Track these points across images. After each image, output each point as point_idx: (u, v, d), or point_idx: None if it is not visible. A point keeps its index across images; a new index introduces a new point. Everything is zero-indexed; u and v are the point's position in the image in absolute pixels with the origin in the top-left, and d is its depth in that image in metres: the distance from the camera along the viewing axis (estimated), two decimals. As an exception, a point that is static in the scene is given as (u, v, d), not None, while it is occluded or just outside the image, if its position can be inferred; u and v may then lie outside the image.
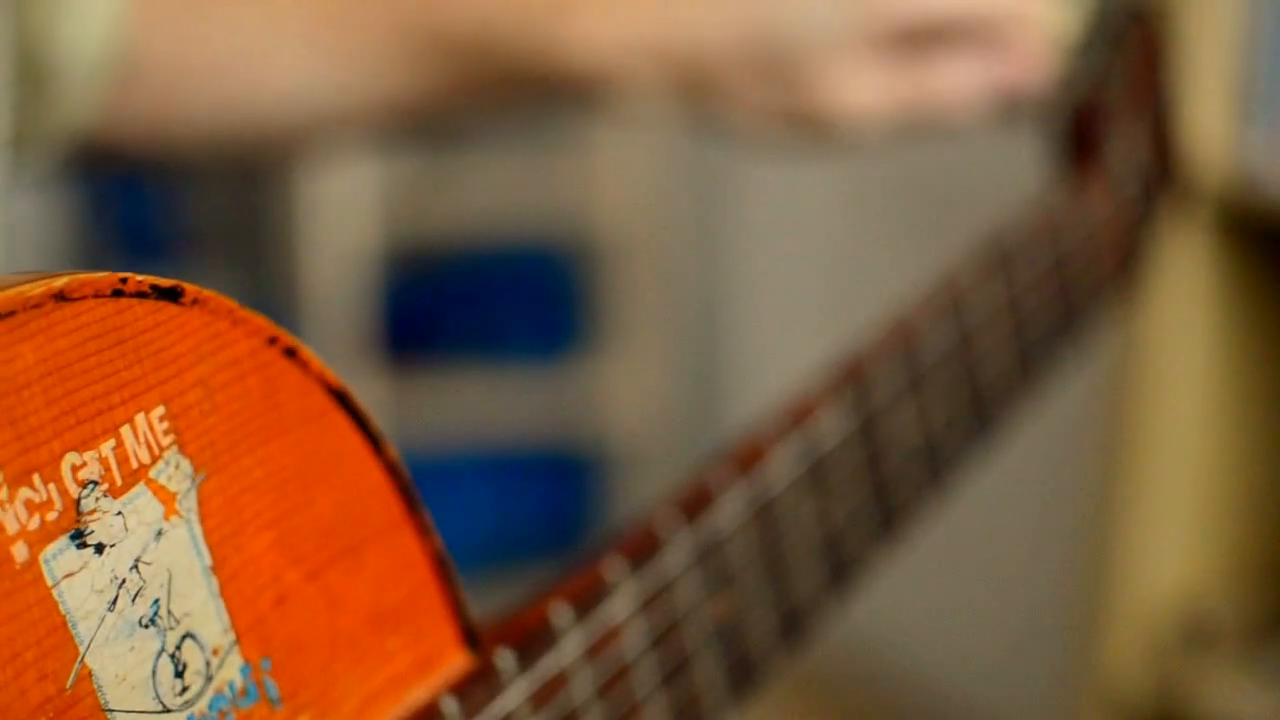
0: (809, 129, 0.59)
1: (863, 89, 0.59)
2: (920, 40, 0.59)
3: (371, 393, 2.00)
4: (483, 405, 2.13)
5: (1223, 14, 1.25)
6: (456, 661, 0.37)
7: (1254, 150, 1.25)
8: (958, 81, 0.59)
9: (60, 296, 0.28)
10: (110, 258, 2.13)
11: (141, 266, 0.30)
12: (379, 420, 0.34)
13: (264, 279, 2.15)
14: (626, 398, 2.18)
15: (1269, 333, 1.38)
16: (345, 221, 2.01)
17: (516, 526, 2.20)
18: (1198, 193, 1.25)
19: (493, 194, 2.10)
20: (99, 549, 0.28)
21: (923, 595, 1.85)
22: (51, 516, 0.27)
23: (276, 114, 0.63)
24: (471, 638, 0.37)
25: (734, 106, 0.60)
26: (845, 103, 0.59)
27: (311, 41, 0.62)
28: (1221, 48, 1.25)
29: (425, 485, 0.35)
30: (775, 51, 0.58)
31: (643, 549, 0.41)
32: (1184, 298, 1.31)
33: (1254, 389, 1.39)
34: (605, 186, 2.12)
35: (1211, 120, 1.25)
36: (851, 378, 0.49)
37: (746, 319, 2.22)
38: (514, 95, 0.63)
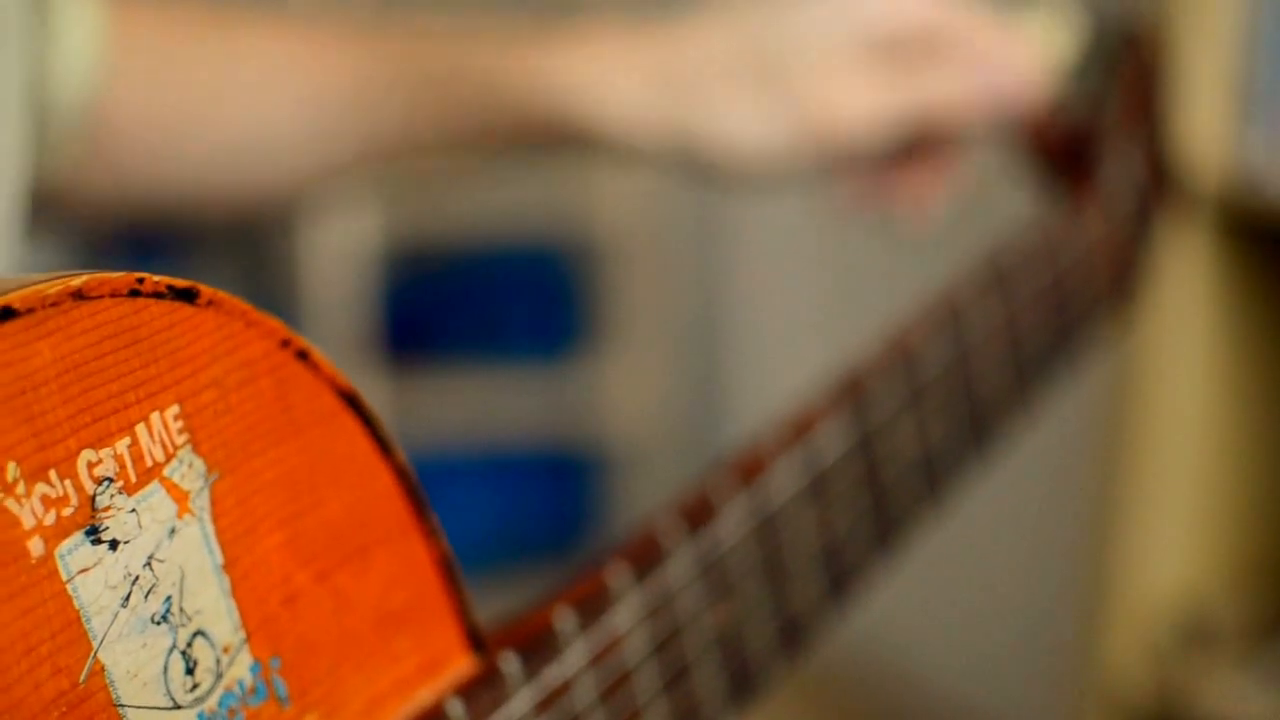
0: (809, 141, 0.59)
1: (860, 96, 0.59)
2: (911, 51, 0.60)
3: (372, 393, 1.98)
4: (483, 405, 2.13)
5: (1222, 14, 1.25)
6: (462, 665, 0.37)
7: (1254, 150, 1.25)
8: (950, 91, 0.60)
9: (78, 295, 0.28)
10: (110, 257, 2.13)
11: (142, 266, 0.30)
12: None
13: (264, 279, 2.15)
14: (626, 398, 2.18)
15: (1269, 333, 1.38)
16: (345, 222, 2.01)
17: (516, 527, 2.20)
18: (1197, 195, 1.26)
19: (493, 194, 2.10)
20: (113, 545, 0.28)
21: (923, 596, 1.85)
22: (67, 512, 0.28)
23: (263, 165, 0.63)
24: (477, 641, 0.37)
25: (733, 129, 0.60)
26: (843, 110, 0.59)
27: (296, 90, 0.61)
28: (1221, 48, 1.25)
29: (425, 485, 0.36)
30: (770, 63, 0.58)
31: (646, 558, 0.42)
32: (1184, 299, 1.32)
33: (1254, 389, 1.39)
34: (605, 187, 2.12)
35: (1211, 121, 1.25)
36: (851, 392, 0.49)
37: (746, 319, 2.22)
38: (509, 138, 0.63)
